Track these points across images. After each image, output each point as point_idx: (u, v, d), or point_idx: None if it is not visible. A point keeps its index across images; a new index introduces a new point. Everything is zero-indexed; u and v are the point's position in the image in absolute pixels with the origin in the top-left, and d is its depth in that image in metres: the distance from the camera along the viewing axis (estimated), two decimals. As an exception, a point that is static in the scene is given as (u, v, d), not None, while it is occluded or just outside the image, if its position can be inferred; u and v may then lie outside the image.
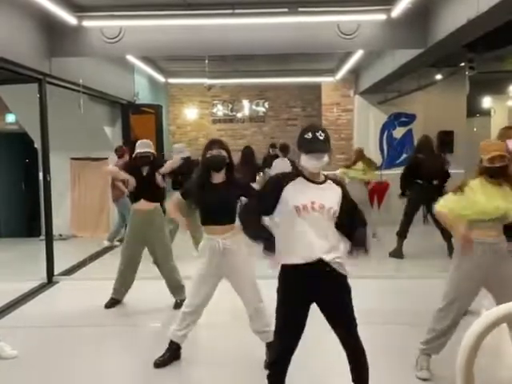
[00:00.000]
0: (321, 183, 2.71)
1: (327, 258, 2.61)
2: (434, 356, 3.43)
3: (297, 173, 2.72)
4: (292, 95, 11.93)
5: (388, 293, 5.49)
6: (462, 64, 6.43)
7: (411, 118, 10.59)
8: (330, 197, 2.70)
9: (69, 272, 6.56)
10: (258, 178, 8.08)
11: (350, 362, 2.72)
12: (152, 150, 5.01)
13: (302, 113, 12.05)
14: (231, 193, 3.55)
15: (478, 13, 4.34)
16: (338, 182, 2.84)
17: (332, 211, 2.65)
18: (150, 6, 5.81)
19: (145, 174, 4.95)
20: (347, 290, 2.71)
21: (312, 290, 2.65)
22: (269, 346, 3.42)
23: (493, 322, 1.56)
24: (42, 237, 6.81)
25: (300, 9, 5.76)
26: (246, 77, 10.76)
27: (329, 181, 2.75)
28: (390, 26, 5.95)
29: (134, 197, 5.03)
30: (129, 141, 9.13)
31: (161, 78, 10.68)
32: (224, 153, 3.54)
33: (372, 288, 5.43)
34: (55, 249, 6.33)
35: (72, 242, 8.63)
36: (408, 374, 3.44)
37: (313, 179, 2.69)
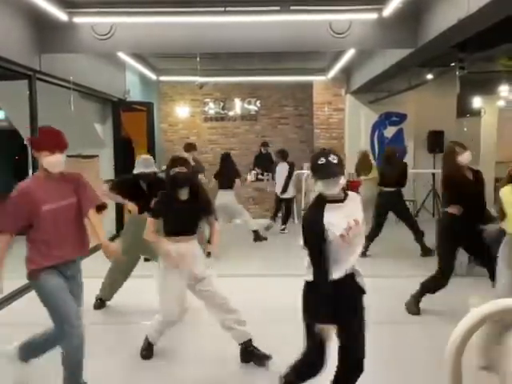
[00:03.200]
0: (343, 200, 2.77)
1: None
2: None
3: (321, 202, 2.73)
4: (284, 94, 11.94)
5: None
6: (453, 64, 6.47)
7: (402, 117, 10.65)
8: (355, 208, 2.80)
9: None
10: (236, 183, 8.11)
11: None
12: (153, 168, 4.97)
13: (294, 112, 12.06)
14: (195, 208, 3.71)
15: (468, 13, 4.37)
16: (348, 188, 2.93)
17: (361, 220, 2.76)
18: (142, 2, 5.79)
19: (145, 188, 4.97)
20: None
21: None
22: (243, 346, 3.64)
23: (480, 319, 1.58)
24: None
25: (292, 7, 5.77)
26: (237, 75, 10.75)
27: (347, 193, 2.82)
28: (382, 26, 5.98)
29: (139, 209, 4.96)
30: (119, 138, 9.10)
31: (152, 76, 10.63)
32: (186, 170, 3.69)
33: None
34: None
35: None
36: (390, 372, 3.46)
37: (337, 199, 2.74)
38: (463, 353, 1.57)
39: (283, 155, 9.06)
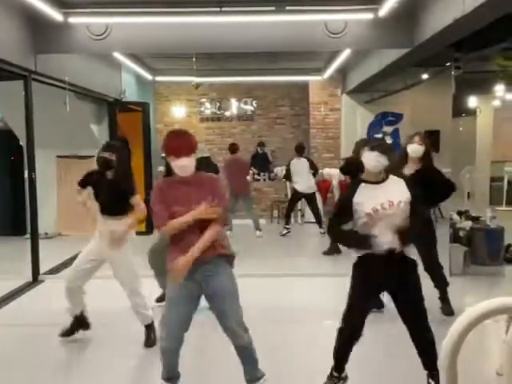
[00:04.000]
0: (381, 182, 2.98)
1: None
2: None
3: (357, 181, 3.04)
4: (280, 94, 11.94)
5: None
6: (448, 64, 6.48)
7: (398, 117, 10.67)
8: (395, 190, 2.96)
9: (54, 271, 6.50)
10: None
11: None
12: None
13: (290, 111, 12.06)
14: (117, 189, 3.98)
15: (464, 12, 4.38)
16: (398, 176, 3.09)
17: (401, 204, 2.91)
18: (137, 3, 5.77)
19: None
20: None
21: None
22: (147, 327, 4.07)
23: (476, 318, 1.58)
24: (28, 235, 6.74)
25: (287, 7, 5.77)
26: (233, 75, 10.74)
27: (389, 176, 3.02)
28: (377, 26, 5.99)
29: None
30: (115, 139, 9.08)
31: (148, 76, 10.62)
32: (114, 157, 3.95)
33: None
34: (41, 247, 6.27)
35: (58, 241, 8.56)
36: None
37: (373, 181, 2.98)
38: (459, 352, 1.57)
39: (300, 150, 8.78)
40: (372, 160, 2.95)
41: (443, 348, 1.58)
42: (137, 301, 4.08)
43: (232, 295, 2.99)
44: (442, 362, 1.59)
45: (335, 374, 3.16)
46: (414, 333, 3.06)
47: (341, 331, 3.10)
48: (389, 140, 10.41)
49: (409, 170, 4.42)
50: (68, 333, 4.20)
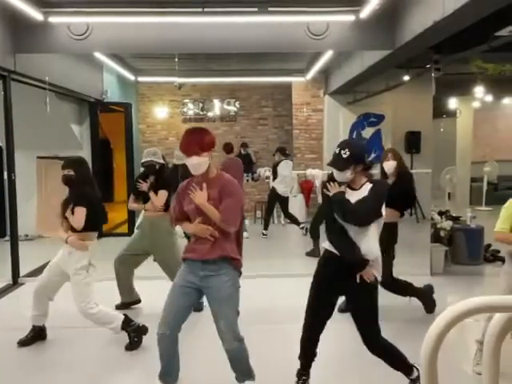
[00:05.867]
0: (358, 189, 3.03)
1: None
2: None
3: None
4: (263, 95, 11.96)
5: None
6: (429, 65, 6.55)
7: (380, 118, 10.76)
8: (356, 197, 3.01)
9: (35, 273, 6.39)
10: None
11: None
12: (155, 158, 4.99)
13: (273, 112, 12.09)
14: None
15: (444, 15, 4.44)
16: (373, 182, 3.09)
17: None
18: (119, 2, 5.73)
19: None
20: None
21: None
22: (127, 331, 4.03)
23: (456, 317, 1.60)
24: (8, 237, 6.64)
25: (270, 8, 5.78)
26: (216, 76, 10.72)
27: (366, 184, 3.05)
28: (359, 28, 6.03)
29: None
30: (97, 140, 9.00)
31: (130, 76, 10.55)
32: (72, 172, 3.99)
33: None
34: (21, 250, 6.19)
35: (38, 243, 8.45)
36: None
37: (353, 187, 3.05)
38: (438, 351, 1.59)
39: (285, 152, 8.98)
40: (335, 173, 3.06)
41: (423, 348, 1.60)
42: (92, 319, 4.02)
43: (226, 299, 3.00)
44: (422, 361, 1.61)
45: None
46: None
47: None
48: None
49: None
50: (28, 343, 4.16)
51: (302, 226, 8.87)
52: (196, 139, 2.95)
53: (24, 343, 4.14)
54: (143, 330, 4.12)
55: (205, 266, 2.98)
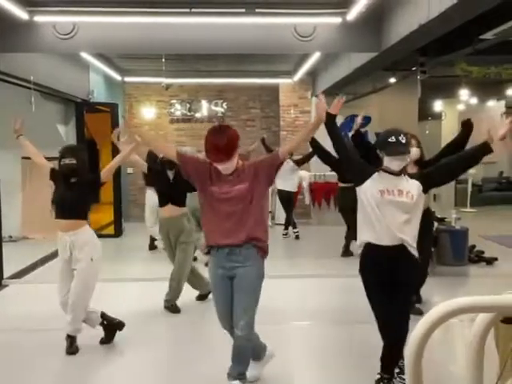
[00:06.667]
0: (398, 174, 3.05)
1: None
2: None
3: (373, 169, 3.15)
4: (251, 96, 11.95)
5: (339, 291, 5.58)
6: (415, 68, 6.62)
7: (367, 120, 10.81)
8: (407, 185, 3.05)
9: (19, 275, 6.34)
10: None
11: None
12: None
13: (261, 114, 12.08)
14: (80, 192, 3.98)
15: (429, 18, 4.48)
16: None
17: (409, 194, 3.01)
18: (105, 2, 5.69)
19: (171, 178, 4.99)
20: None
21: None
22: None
23: (440, 317, 1.61)
24: (-9, 239, 6.55)
25: (257, 10, 5.79)
26: (204, 77, 10.71)
27: (407, 172, 3.14)
28: (346, 30, 6.07)
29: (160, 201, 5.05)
30: (83, 140, 8.92)
31: (117, 77, 10.48)
32: (74, 161, 3.98)
33: (325, 286, 5.50)
34: (5, 251, 6.12)
35: (23, 244, 8.34)
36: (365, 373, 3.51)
37: (390, 171, 3.06)
38: (423, 351, 1.60)
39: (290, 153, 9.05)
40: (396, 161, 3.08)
41: (408, 348, 1.61)
42: (69, 317, 3.99)
43: (246, 292, 3.08)
44: (407, 362, 1.62)
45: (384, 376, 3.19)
46: None
47: None
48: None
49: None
50: (108, 340, 4.20)
51: (285, 232, 9.02)
52: (232, 143, 2.99)
53: (103, 341, 4.19)
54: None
55: (233, 254, 3.06)
